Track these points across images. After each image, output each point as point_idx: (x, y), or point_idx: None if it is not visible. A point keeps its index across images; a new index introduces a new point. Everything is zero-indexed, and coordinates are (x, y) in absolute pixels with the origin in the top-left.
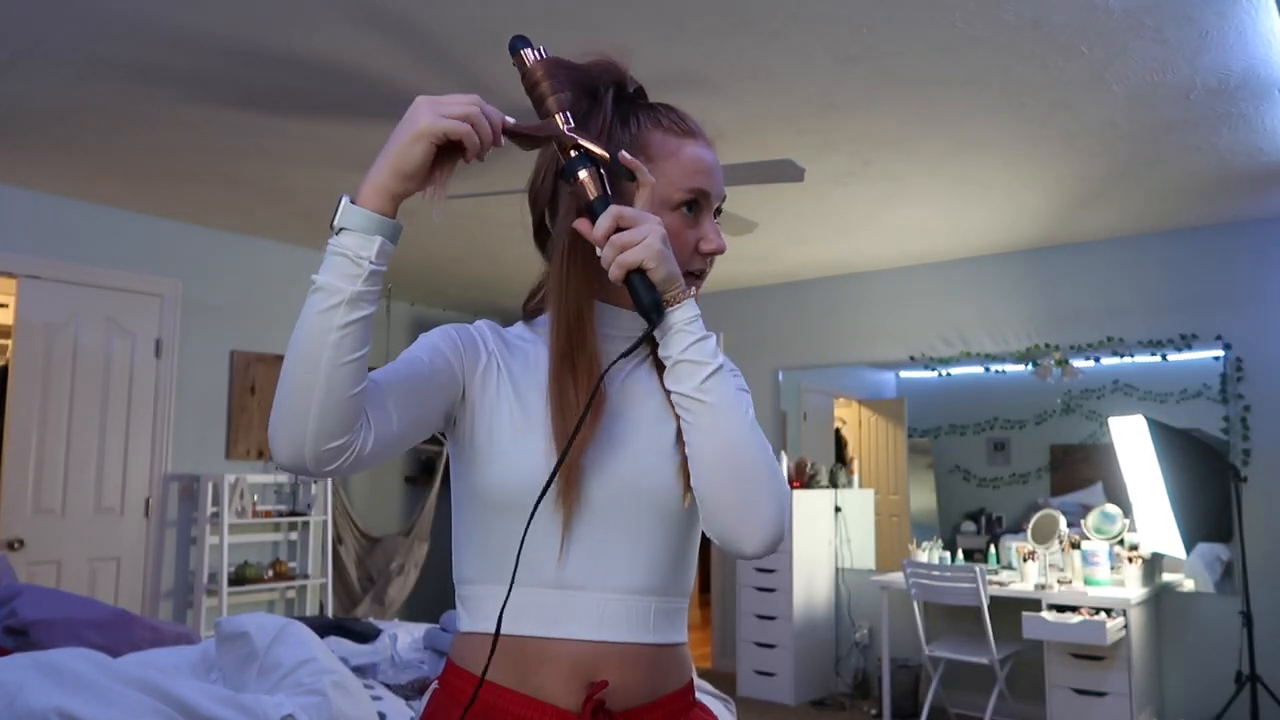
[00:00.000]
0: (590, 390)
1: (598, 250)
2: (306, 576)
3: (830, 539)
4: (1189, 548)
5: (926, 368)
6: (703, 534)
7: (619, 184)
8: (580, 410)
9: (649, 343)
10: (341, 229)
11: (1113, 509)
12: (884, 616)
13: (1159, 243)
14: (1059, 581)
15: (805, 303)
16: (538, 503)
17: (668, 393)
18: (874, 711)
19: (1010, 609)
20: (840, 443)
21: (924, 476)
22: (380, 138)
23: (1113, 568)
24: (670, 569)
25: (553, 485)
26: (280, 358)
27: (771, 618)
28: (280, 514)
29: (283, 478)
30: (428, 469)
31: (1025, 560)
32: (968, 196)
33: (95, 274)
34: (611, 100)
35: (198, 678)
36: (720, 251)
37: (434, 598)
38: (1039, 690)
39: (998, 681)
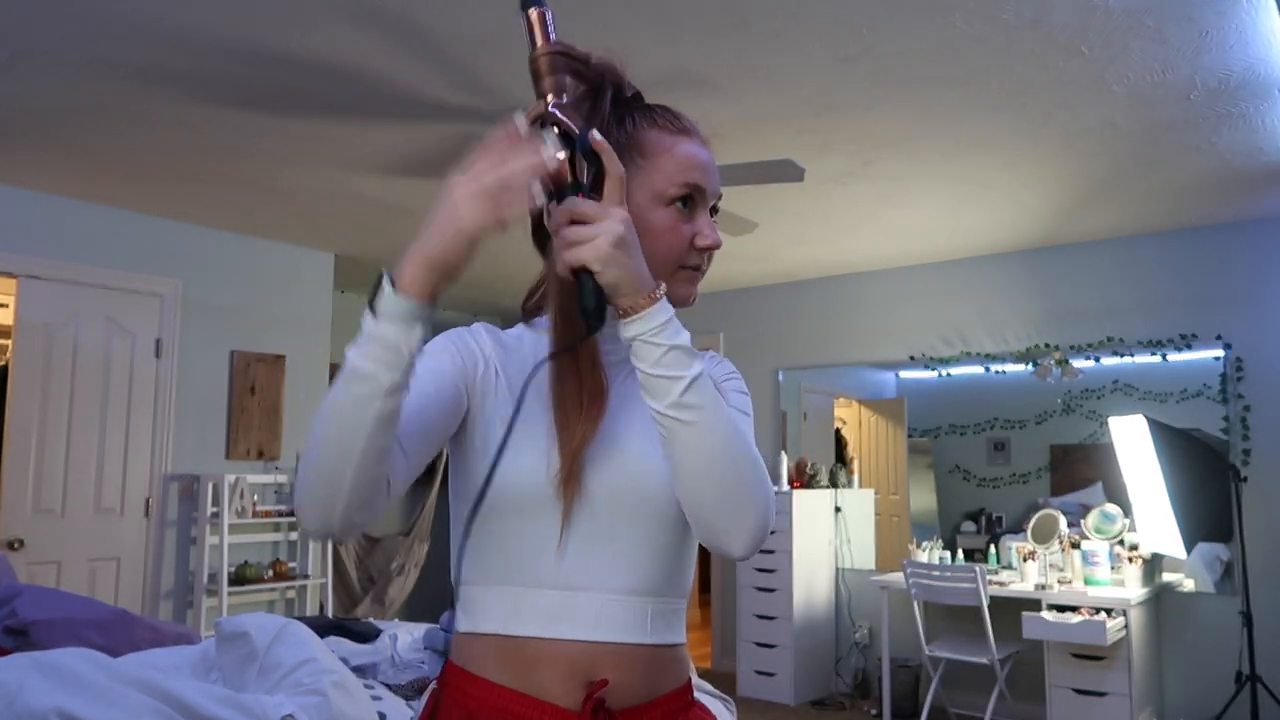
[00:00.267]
0: (592, 390)
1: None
2: (306, 576)
3: (830, 539)
4: (1189, 548)
5: (926, 368)
6: None
7: (595, 171)
8: (581, 410)
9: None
10: (380, 315)
11: (1113, 509)
12: (884, 616)
13: (1159, 243)
14: (1059, 581)
15: (805, 303)
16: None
17: None
18: (874, 711)
19: (1010, 609)
20: (840, 443)
21: (924, 476)
22: (380, 138)
23: (1113, 568)
24: (668, 570)
25: (552, 486)
26: (280, 358)
27: (771, 618)
28: (280, 514)
29: (282, 478)
30: (428, 469)
31: (1025, 560)
32: (968, 196)
33: (95, 274)
34: (609, 101)
35: (198, 678)
36: (716, 246)
37: (434, 598)
38: (1039, 690)
39: (998, 681)
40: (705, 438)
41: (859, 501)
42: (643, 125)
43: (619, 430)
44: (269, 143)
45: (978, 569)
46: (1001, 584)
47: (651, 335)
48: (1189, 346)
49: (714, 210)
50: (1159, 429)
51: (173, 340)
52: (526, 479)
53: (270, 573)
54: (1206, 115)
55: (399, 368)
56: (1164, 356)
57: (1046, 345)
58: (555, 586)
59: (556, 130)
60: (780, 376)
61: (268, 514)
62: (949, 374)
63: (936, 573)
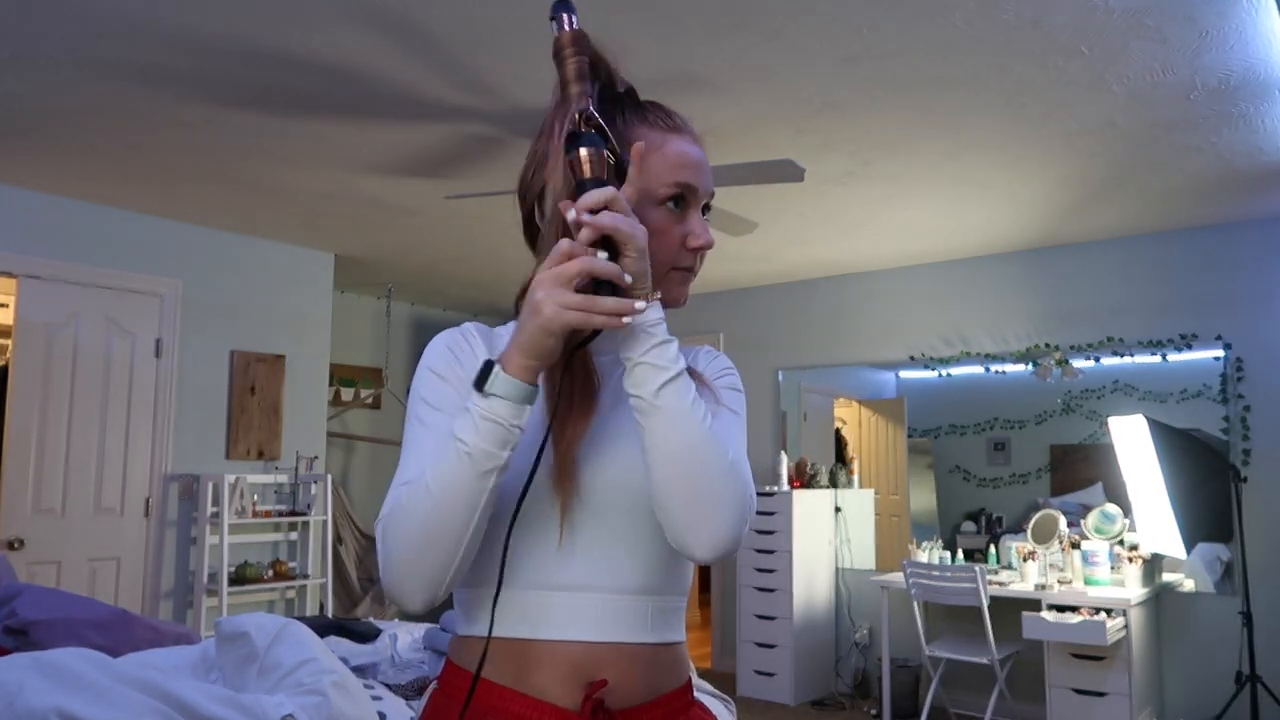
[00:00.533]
0: (583, 387)
1: (571, 216)
2: (306, 576)
3: (830, 539)
4: (1189, 548)
5: (926, 368)
6: None
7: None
8: (573, 407)
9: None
10: (492, 395)
11: (1113, 509)
12: (884, 616)
13: (1159, 243)
14: (1059, 581)
15: (805, 303)
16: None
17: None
18: (874, 711)
19: (1010, 609)
20: (840, 443)
21: (924, 476)
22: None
23: (1113, 568)
24: (667, 568)
25: (549, 486)
26: (280, 358)
27: (771, 618)
28: (280, 514)
29: (282, 478)
30: None
31: (1025, 560)
32: (968, 196)
33: (95, 274)
34: (598, 95)
35: (198, 678)
36: (708, 246)
37: None
38: (1039, 690)
39: (998, 681)
40: (676, 432)
41: (859, 501)
42: (634, 122)
43: (614, 428)
44: (269, 143)
45: (978, 569)
46: (1001, 584)
47: (650, 326)
48: (1189, 346)
49: (706, 208)
50: (1159, 429)
51: (173, 340)
52: (522, 479)
53: (270, 573)
54: (1206, 115)
55: (510, 444)
56: (1164, 356)
57: (1046, 345)
58: (555, 587)
59: (592, 129)
60: (780, 376)
61: (268, 514)
62: (949, 374)
63: (936, 573)
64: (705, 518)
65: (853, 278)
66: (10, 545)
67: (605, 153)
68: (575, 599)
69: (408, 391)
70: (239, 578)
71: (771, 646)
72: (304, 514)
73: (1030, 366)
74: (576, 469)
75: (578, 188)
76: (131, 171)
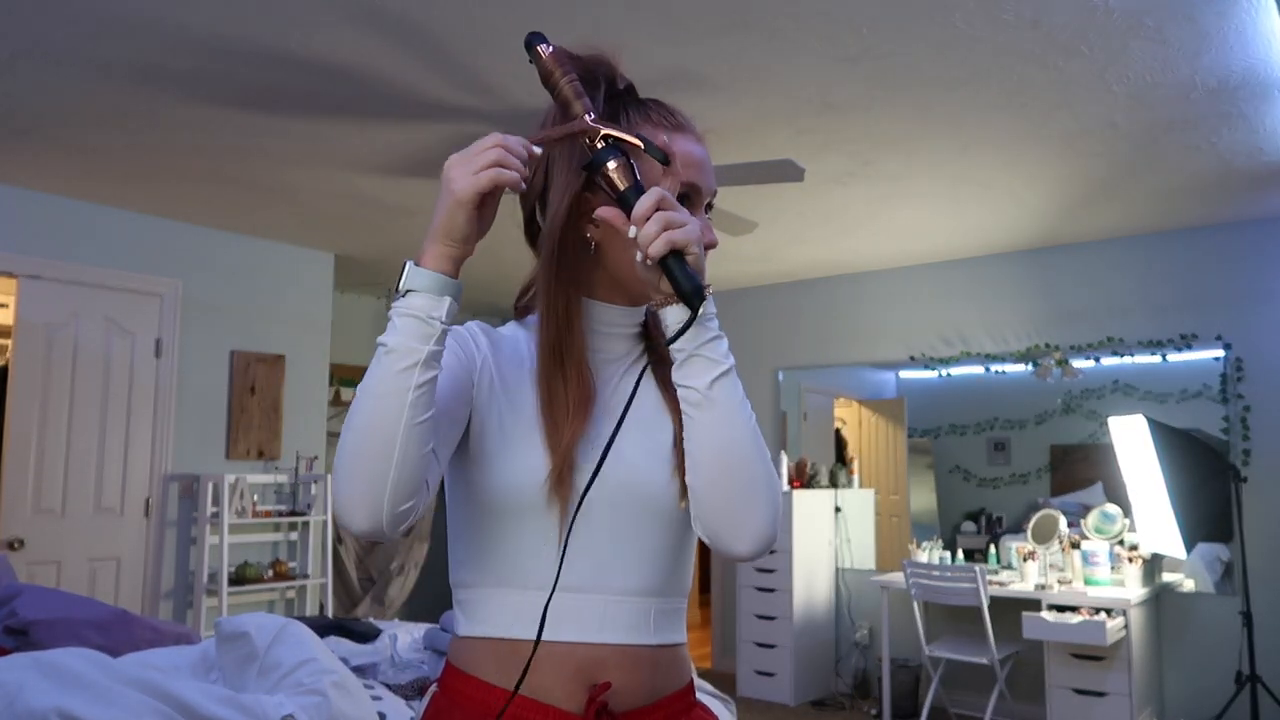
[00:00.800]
0: (579, 390)
1: (632, 231)
2: (306, 576)
3: (830, 539)
4: (1189, 548)
5: (926, 368)
6: None
7: (645, 172)
8: (569, 410)
9: (645, 342)
10: (408, 291)
11: (1113, 509)
12: (884, 616)
13: (1159, 243)
14: (1059, 581)
15: (805, 303)
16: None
17: (664, 394)
18: (874, 711)
19: (1010, 609)
20: (840, 443)
21: (924, 476)
22: (380, 138)
23: (1113, 568)
24: (669, 570)
25: (550, 488)
26: (280, 358)
27: (771, 618)
28: (280, 514)
29: (282, 478)
30: None
31: (1025, 560)
32: (968, 196)
33: (95, 274)
34: (604, 95)
35: (198, 678)
36: (712, 245)
37: (434, 598)
38: (1039, 690)
39: (998, 681)
40: (731, 422)
41: (859, 501)
42: (637, 121)
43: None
44: (269, 143)
45: (978, 569)
46: (1001, 584)
47: (709, 319)
48: (1189, 346)
49: (709, 207)
50: (1159, 429)
51: (173, 340)
52: (522, 480)
53: (270, 573)
54: (1206, 115)
55: (432, 337)
56: (1164, 356)
57: (1046, 345)
58: (557, 589)
59: (607, 143)
60: (780, 376)
61: (268, 514)
62: (949, 374)
63: (936, 573)
64: (749, 513)
65: (853, 277)
66: (10, 545)
67: (627, 159)
68: (577, 601)
69: None
70: (239, 578)
71: (771, 646)
72: (304, 514)
73: (1030, 366)
74: (574, 471)
75: (620, 201)
76: (131, 171)
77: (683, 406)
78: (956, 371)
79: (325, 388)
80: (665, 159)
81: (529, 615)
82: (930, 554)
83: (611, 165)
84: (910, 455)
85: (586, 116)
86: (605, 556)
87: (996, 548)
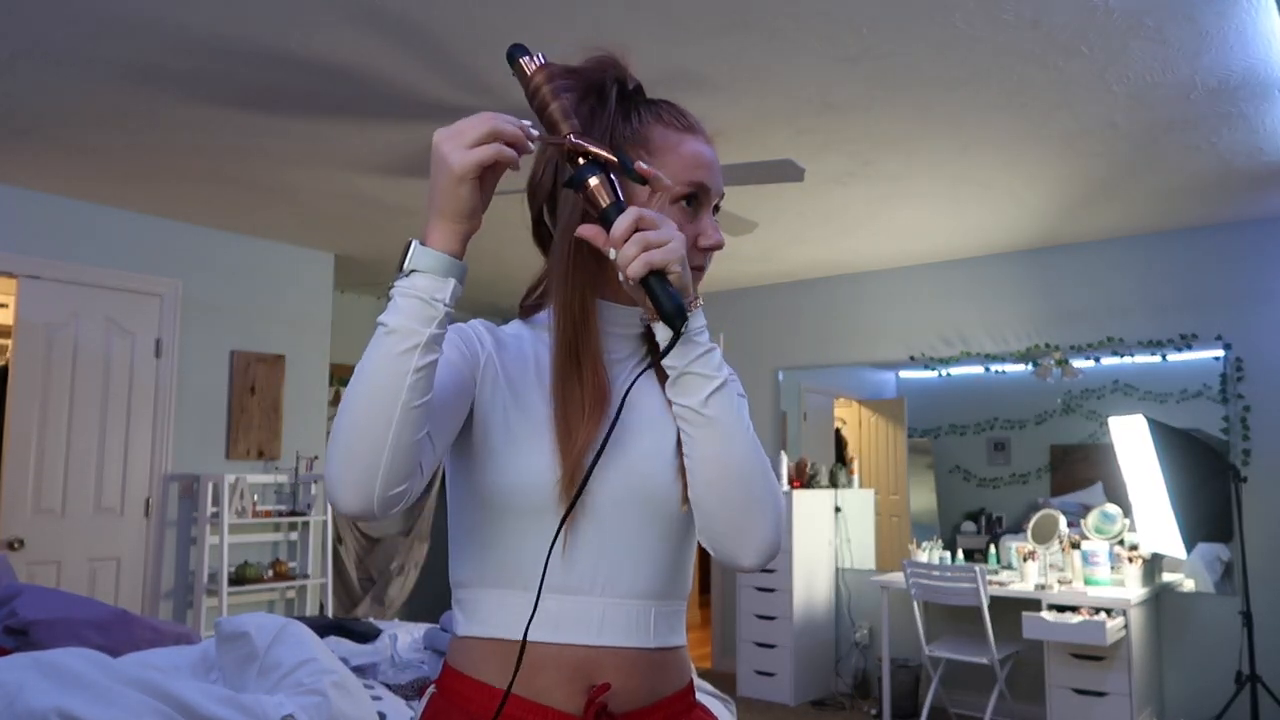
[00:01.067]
0: (595, 392)
1: (611, 253)
2: (306, 576)
3: (830, 539)
4: (1189, 548)
5: (926, 368)
6: None
7: (627, 186)
8: (584, 412)
9: (648, 344)
10: (412, 271)
11: (1113, 509)
12: (884, 616)
13: (1159, 243)
14: (1059, 581)
15: (805, 303)
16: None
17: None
18: (874, 711)
19: (1010, 609)
20: (840, 443)
21: (924, 476)
22: (380, 138)
23: (1113, 568)
24: (670, 573)
25: (552, 490)
26: (280, 357)
27: (771, 618)
28: (280, 514)
29: (282, 478)
30: None
31: (1025, 560)
32: (968, 196)
33: (95, 274)
34: (615, 96)
35: (198, 678)
36: (719, 246)
37: (434, 598)
38: (1039, 690)
39: (998, 681)
40: (729, 437)
41: (859, 501)
42: (649, 121)
43: (623, 433)
44: (269, 143)
45: (978, 569)
46: (1001, 584)
47: (695, 334)
48: (1189, 346)
49: (715, 209)
50: (1159, 429)
51: (173, 340)
52: (532, 481)
53: (270, 573)
54: (1206, 115)
55: (434, 320)
56: (1164, 356)
57: (1046, 345)
58: (558, 590)
59: (584, 160)
60: (780, 376)
61: (268, 514)
62: (949, 374)
63: (936, 573)
64: (753, 527)
65: (853, 278)
66: (10, 545)
67: (608, 175)
68: (578, 603)
69: None
70: (239, 578)
71: (771, 646)
72: (304, 514)
73: (1030, 366)
74: (585, 475)
75: (601, 219)
76: (131, 171)
77: (680, 424)
78: (956, 371)
79: (325, 388)
80: (642, 181)
81: (529, 616)
82: (930, 554)
83: (592, 182)
84: (910, 455)
85: (567, 131)
86: (607, 559)
87: (996, 548)
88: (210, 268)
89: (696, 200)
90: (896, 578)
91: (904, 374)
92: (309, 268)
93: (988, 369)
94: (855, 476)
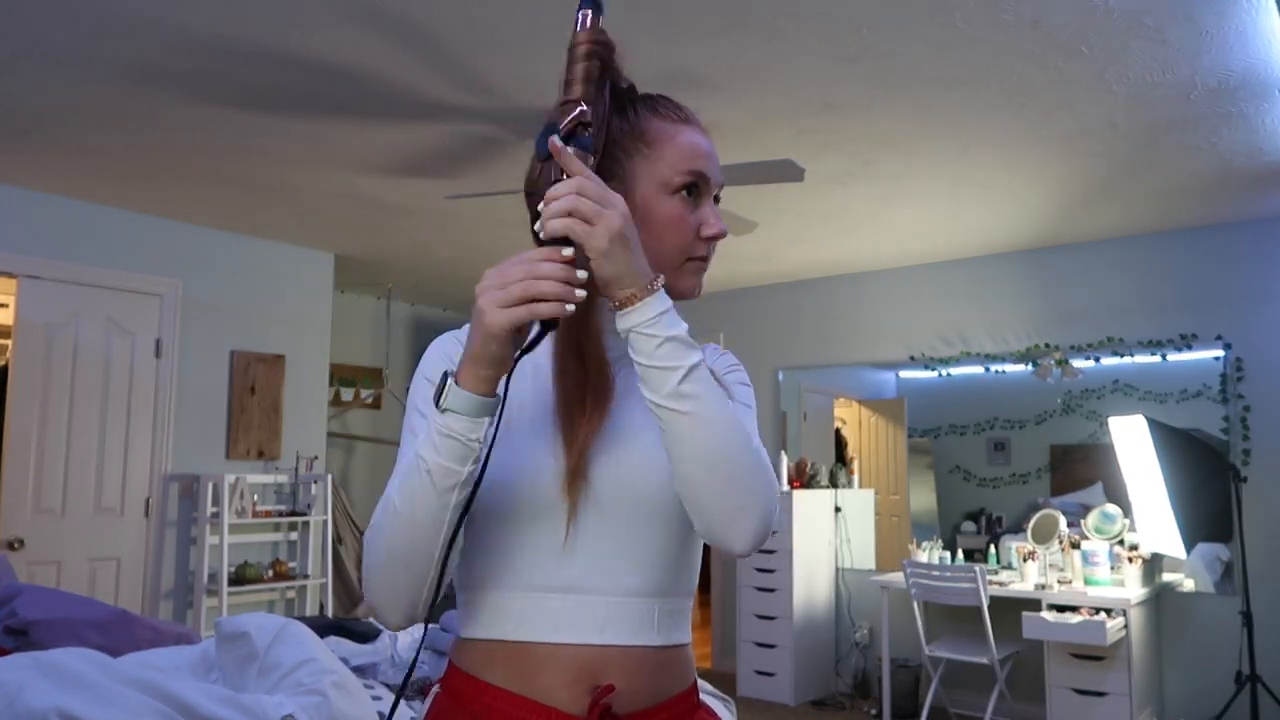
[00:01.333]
0: (596, 388)
1: (541, 205)
2: (306, 576)
3: (830, 539)
4: (1189, 548)
5: (926, 368)
6: None
7: (631, 170)
8: (585, 408)
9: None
10: (447, 410)
11: (1113, 509)
12: (884, 616)
13: (1159, 243)
14: (1059, 581)
15: (805, 303)
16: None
17: None
18: (874, 711)
19: (1010, 609)
20: (840, 443)
21: (924, 476)
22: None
23: (1113, 568)
24: (673, 569)
25: (555, 487)
26: (280, 357)
27: (771, 618)
28: (280, 514)
29: (282, 478)
30: None
31: (1025, 560)
32: (968, 196)
33: (95, 274)
34: (608, 93)
35: (198, 678)
36: (722, 235)
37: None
38: (1039, 690)
39: (998, 681)
40: (702, 430)
41: (859, 501)
42: (645, 114)
43: (624, 428)
44: (269, 143)
45: (978, 569)
46: (1001, 584)
47: (646, 326)
48: (1189, 346)
49: (715, 200)
50: (1159, 429)
51: (173, 340)
52: (533, 479)
53: (270, 573)
54: (1206, 115)
55: (470, 458)
56: (1164, 356)
57: (1046, 345)
58: (560, 589)
59: (584, 133)
60: (780, 376)
61: (268, 514)
62: (949, 374)
63: (936, 573)
64: (740, 509)
65: (853, 278)
66: (10, 545)
67: (590, 156)
68: (580, 601)
69: (408, 391)
70: (239, 578)
71: (771, 646)
72: (304, 514)
73: (1030, 366)
74: (586, 471)
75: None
76: (131, 171)
77: (655, 416)
78: (956, 371)
79: (325, 388)
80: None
81: (534, 616)
82: (930, 554)
83: (570, 150)
84: (910, 455)
85: (582, 104)
86: (609, 556)
87: (996, 548)
88: (210, 268)
89: (697, 190)
90: (896, 578)
91: (904, 374)
92: (309, 268)
93: (988, 369)
94: (855, 476)
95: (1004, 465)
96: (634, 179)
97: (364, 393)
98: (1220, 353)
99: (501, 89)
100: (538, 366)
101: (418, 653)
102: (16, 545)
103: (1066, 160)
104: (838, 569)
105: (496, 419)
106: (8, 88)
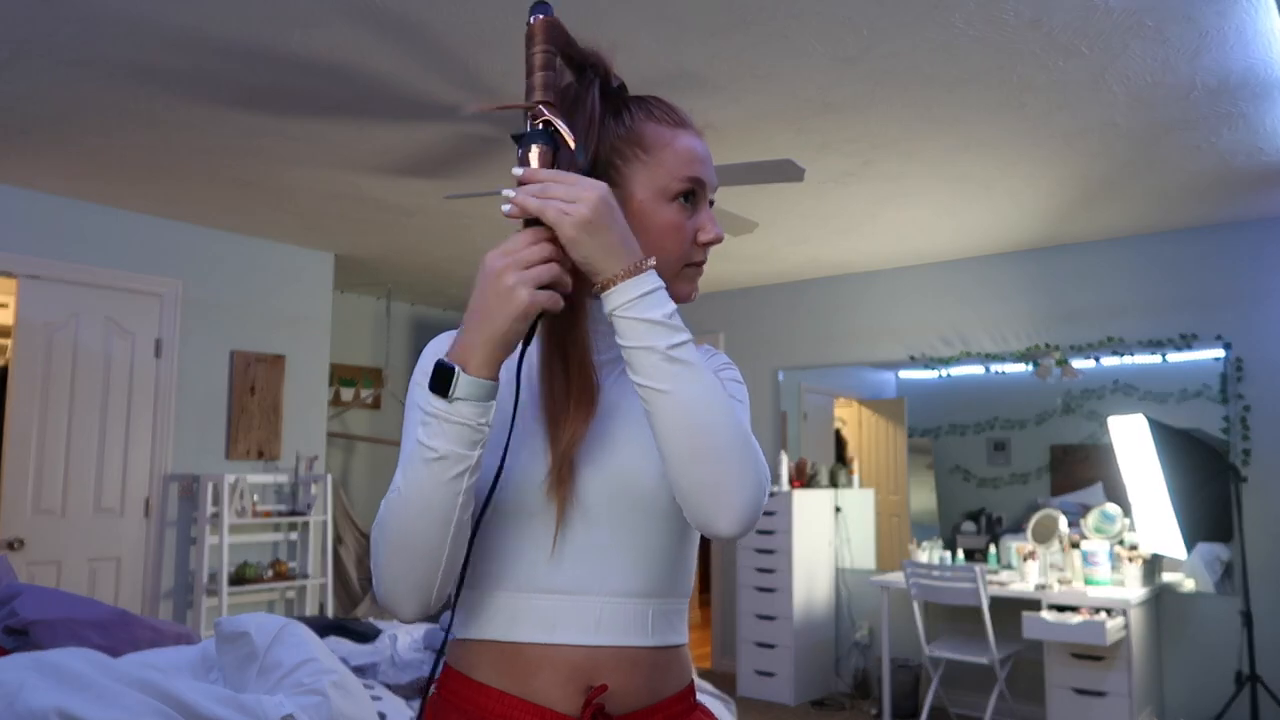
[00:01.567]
0: (581, 390)
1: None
2: (306, 576)
3: (830, 539)
4: (1189, 548)
5: (926, 368)
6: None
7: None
8: (570, 410)
9: None
10: (457, 398)
11: (1113, 509)
12: (884, 616)
13: (1159, 243)
14: (1059, 581)
15: (805, 303)
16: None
17: None
18: (874, 711)
19: (1010, 609)
20: (840, 443)
21: (924, 476)
22: (380, 138)
23: (1113, 568)
24: (668, 570)
25: (543, 488)
26: (280, 358)
27: (771, 618)
28: (280, 514)
29: (282, 478)
30: None
31: (1025, 560)
32: (968, 196)
33: (95, 274)
34: (598, 92)
35: (198, 678)
36: (718, 240)
37: None
38: (1039, 690)
39: (998, 681)
40: (687, 404)
41: (859, 501)
42: (640, 118)
43: (612, 430)
44: (269, 143)
45: (978, 569)
46: (1001, 584)
47: (623, 310)
48: (1189, 346)
49: (710, 203)
50: (1159, 429)
51: (173, 340)
52: (520, 481)
53: (270, 573)
54: (1206, 115)
55: (478, 443)
56: (1164, 356)
57: (1046, 345)
58: (553, 591)
59: (543, 127)
60: (780, 376)
61: (268, 514)
62: (949, 374)
63: (936, 573)
64: (727, 492)
65: (853, 278)
66: (10, 545)
67: (554, 151)
68: (572, 603)
69: (408, 392)
70: (239, 578)
71: (771, 646)
72: (304, 514)
73: (1030, 366)
74: (575, 472)
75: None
76: (131, 171)
77: (640, 398)
78: (956, 371)
79: (325, 388)
80: (582, 170)
81: (527, 617)
82: (930, 554)
83: (535, 150)
84: (910, 455)
85: (539, 92)
86: (602, 556)
87: (996, 548)
88: (210, 268)
89: (694, 195)
90: (896, 578)
91: (904, 374)
92: (309, 268)
93: (988, 369)
94: (855, 476)
95: (1004, 465)
96: (631, 184)
97: (364, 393)
98: (1220, 353)
99: (501, 89)
100: (528, 367)
101: (443, 646)
102: (16, 545)
103: (1066, 160)
104: (838, 569)
105: (514, 411)
106: (8, 87)
